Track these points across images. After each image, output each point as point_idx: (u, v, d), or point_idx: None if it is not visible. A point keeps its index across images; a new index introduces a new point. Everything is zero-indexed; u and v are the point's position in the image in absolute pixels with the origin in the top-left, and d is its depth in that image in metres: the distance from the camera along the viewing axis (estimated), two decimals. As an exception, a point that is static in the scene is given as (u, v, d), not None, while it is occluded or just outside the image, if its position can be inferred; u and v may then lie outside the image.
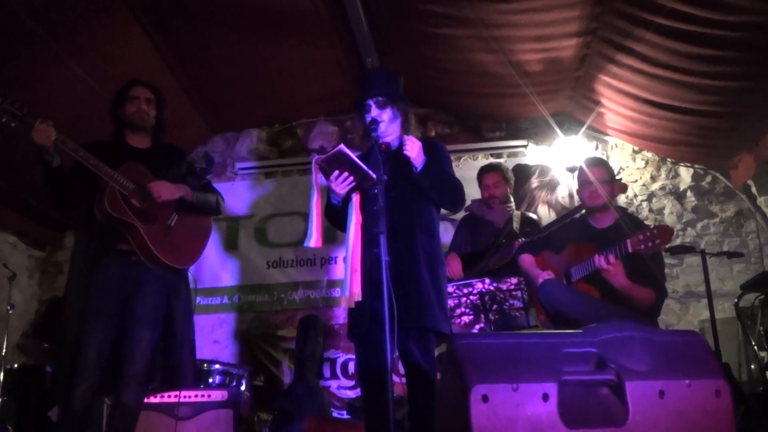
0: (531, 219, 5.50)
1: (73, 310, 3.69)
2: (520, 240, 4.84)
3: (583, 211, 4.43)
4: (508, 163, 6.77)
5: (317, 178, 3.40)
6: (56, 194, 3.79)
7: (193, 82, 6.47)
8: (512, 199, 5.52)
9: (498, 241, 5.07)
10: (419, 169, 3.43)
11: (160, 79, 5.83)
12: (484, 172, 5.52)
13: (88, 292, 3.67)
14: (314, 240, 3.40)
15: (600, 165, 4.27)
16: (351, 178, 3.32)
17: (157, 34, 5.67)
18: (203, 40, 5.82)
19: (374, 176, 3.26)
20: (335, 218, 3.57)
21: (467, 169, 6.56)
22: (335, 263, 6.82)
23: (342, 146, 3.22)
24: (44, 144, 3.57)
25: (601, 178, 4.16)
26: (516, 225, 5.19)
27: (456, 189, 3.58)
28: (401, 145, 3.50)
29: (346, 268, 3.27)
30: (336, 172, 3.33)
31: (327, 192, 3.51)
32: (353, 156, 3.23)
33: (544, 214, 6.47)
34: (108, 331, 3.61)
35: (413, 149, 3.41)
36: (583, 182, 4.24)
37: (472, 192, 6.34)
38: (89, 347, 3.55)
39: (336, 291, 6.73)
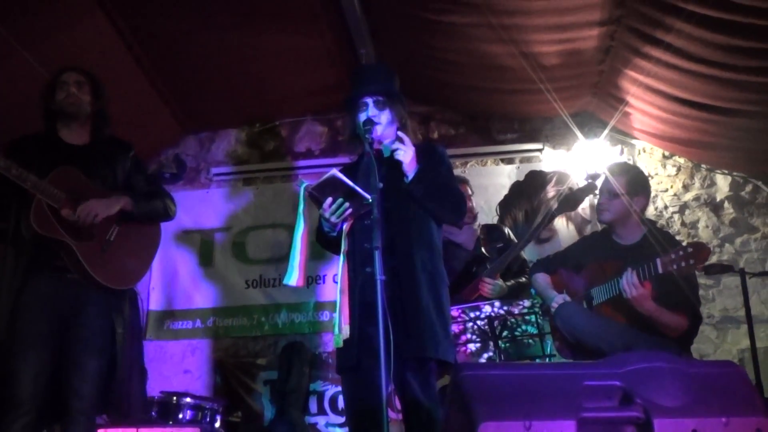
0: (492, 228, 5.44)
1: (2, 336, 3.62)
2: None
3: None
4: (521, 168, 6.80)
5: (306, 208, 3.41)
6: None
7: (162, 75, 6.46)
8: (478, 215, 5.47)
9: (468, 270, 5.05)
10: (411, 177, 3.40)
11: (125, 71, 5.86)
12: None
13: (13, 316, 3.60)
14: (296, 278, 3.40)
15: (619, 174, 4.17)
16: (347, 205, 3.31)
17: (121, 18, 5.66)
18: (174, 26, 5.82)
19: (369, 199, 3.24)
20: (329, 245, 3.60)
21: (475, 175, 6.58)
22: (323, 282, 6.82)
23: (334, 171, 3.23)
24: None
25: (620, 190, 4.11)
26: (482, 246, 5.17)
27: (455, 198, 3.57)
28: (394, 152, 3.51)
29: (339, 301, 3.27)
30: (329, 200, 3.32)
31: (318, 220, 3.52)
32: (347, 180, 3.23)
33: (562, 227, 6.49)
34: (44, 360, 3.55)
35: (407, 154, 3.39)
36: (597, 193, 4.24)
37: (480, 202, 6.38)
38: (24, 378, 3.48)
39: (324, 314, 6.72)
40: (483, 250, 5.13)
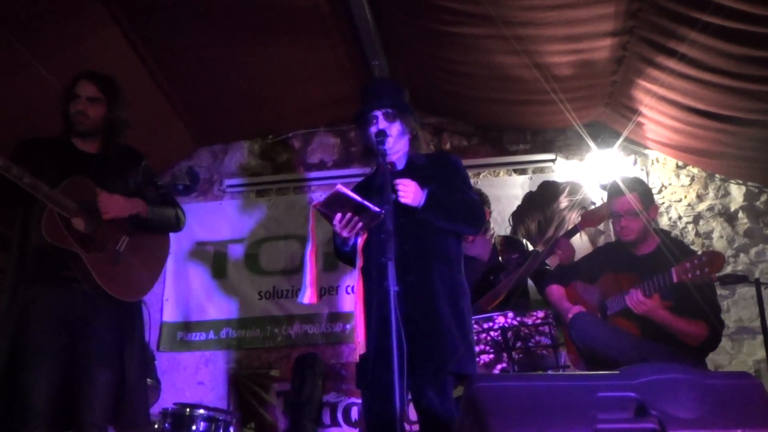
0: (511, 240, 5.51)
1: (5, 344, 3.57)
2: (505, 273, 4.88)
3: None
4: (534, 179, 6.79)
5: (313, 225, 3.44)
6: None
7: (175, 88, 6.49)
8: (492, 225, 5.49)
9: (486, 280, 5.05)
10: (421, 206, 3.43)
11: (139, 85, 5.88)
12: None
13: (20, 326, 3.56)
14: (308, 296, 3.46)
15: (634, 191, 4.20)
16: (357, 219, 3.33)
17: (135, 33, 5.70)
18: (187, 40, 5.85)
19: (381, 212, 3.24)
20: (344, 259, 3.64)
21: (488, 186, 6.56)
22: (337, 294, 6.81)
23: (339, 187, 3.25)
24: None
25: (638, 208, 4.10)
26: (499, 256, 5.18)
27: (470, 210, 3.59)
28: (407, 165, 3.53)
29: (356, 315, 3.33)
30: (338, 215, 3.33)
31: (332, 236, 3.56)
32: (353, 194, 3.25)
33: (575, 238, 6.44)
34: (55, 373, 3.52)
35: (407, 194, 3.40)
36: (614, 214, 4.21)
37: (493, 213, 6.36)
38: (36, 392, 3.45)
39: (338, 326, 6.71)
40: (500, 259, 5.15)
